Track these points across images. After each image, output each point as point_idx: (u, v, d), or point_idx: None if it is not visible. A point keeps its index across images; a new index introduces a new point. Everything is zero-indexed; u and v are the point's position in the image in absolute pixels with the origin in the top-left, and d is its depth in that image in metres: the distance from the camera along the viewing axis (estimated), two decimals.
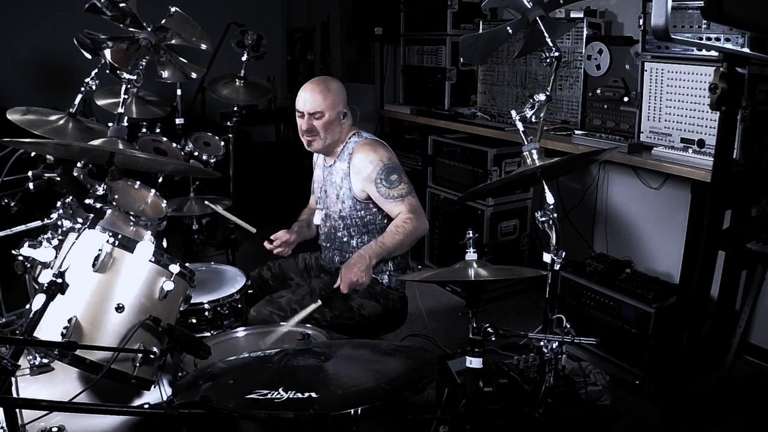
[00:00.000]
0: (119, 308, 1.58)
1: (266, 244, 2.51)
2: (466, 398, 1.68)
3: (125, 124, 2.03)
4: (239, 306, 2.40)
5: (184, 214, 3.08)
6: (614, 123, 3.08)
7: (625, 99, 2.96)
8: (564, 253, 1.74)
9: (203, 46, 2.44)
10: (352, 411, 1.37)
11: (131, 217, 2.04)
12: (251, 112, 5.21)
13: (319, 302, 2.18)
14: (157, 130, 2.89)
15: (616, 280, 2.93)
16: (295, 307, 2.29)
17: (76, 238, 1.61)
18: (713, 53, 2.53)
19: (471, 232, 1.75)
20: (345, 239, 2.46)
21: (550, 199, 1.73)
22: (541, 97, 1.88)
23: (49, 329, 1.51)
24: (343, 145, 2.43)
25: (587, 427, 1.93)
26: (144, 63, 2.17)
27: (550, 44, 1.92)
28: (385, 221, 2.41)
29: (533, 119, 1.90)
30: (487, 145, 3.67)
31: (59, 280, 1.52)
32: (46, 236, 1.90)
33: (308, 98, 2.35)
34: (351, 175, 2.38)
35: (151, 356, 1.60)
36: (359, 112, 5.40)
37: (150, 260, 1.65)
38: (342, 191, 2.42)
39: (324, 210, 2.53)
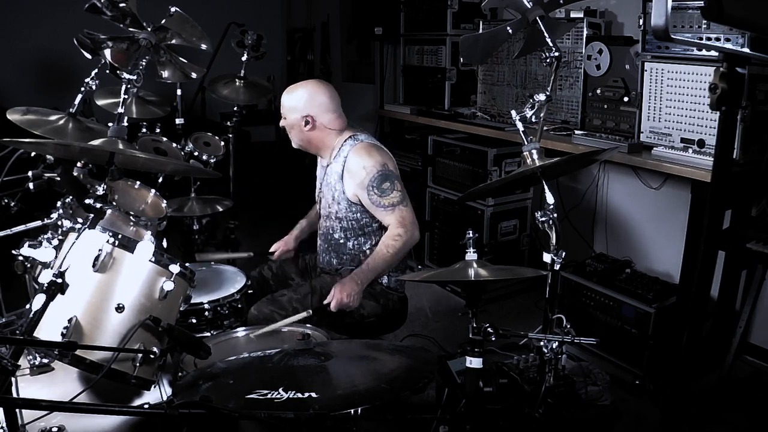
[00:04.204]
0: (119, 308, 1.58)
1: (271, 256, 2.68)
2: (466, 398, 1.68)
3: (125, 124, 2.03)
4: (239, 306, 2.41)
5: (184, 214, 3.09)
6: (614, 123, 3.08)
7: (625, 99, 2.96)
8: (564, 253, 1.74)
9: (203, 46, 2.44)
10: (352, 411, 1.37)
11: (131, 217, 2.04)
12: (251, 112, 5.22)
13: (309, 312, 2.18)
14: (157, 130, 2.89)
15: (616, 280, 2.93)
16: (297, 306, 2.30)
17: (76, 238, 1.61)
18: (713, 53, 2.53)
19: (471, 232, 1.75)
20: (341, 241, 2.46)
21: (550, 199, 1.73)
22: (541, 97, 1.88)
23: (49, 329, 1.51)
24: (338, 148, 2.42)
25: (587, 427, 1.93)
26: (144, 63, 2.16)
27: (550, 44, 1.92)
28: (380, 224, 2.40)
29: (533, 119, 1.90)
30: (487, 145, 3.67)
31: (59, 280, 1.52)
32: (46, 236, 1.89)
33: (281, 100, 2.48)
34: (344, 179, 2.37)
35: (151, 356, 1.60)
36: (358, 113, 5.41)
37: (150, 260, 1.65)
38: (337, 193, 2.41)
39: (321, 210, 2.53)
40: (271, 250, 2.66)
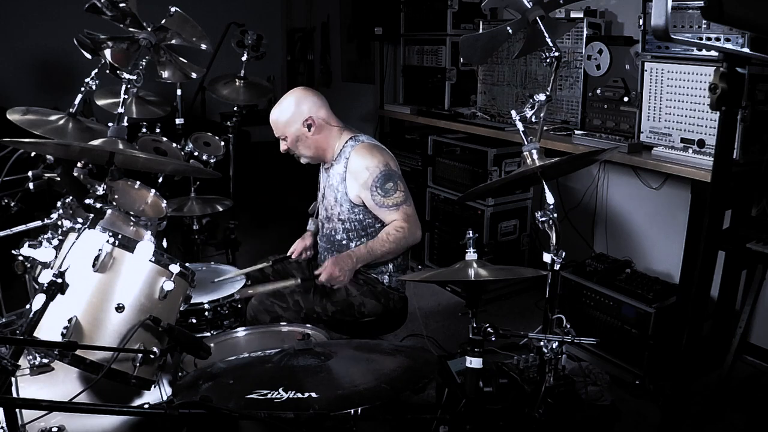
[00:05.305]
0: (119, 308, 1.58)
1: (291, 259, 2.62)
2: (466, 398, 1.68)
3: (125, 124, 2.03)
4: (239, 306, 2.41)
5: (184, 214, 3.09)
6: (614, 123, 3.08)
7: (625, 99, 2.96)
8: (564, 253, 1.74)
9: (203, 46, 2.43)
10: (352, 411, 1.37)
11: (131, 217, 2.04)
12: (251, 112, 5.21)
13: (298, 280, 2.21)
14: (157, 130, 2.89)
15: (616, 280, 2.93)
16: (298, 299, 2.31)
17: (76, 238, 1.60)
18: (713, 53, 2.53)
19: (471, 232, 1.75)
20: (344, 242, 2.46)
21: (550, 199, 1.73)
22: (541, 97, 1.88)
23: (49, 329, 1.51)
24: (340, 150, 2.42)
25: (587, 427, 1.93)
26: (144, 63, 2.17)
27: (550, 44, 1.92)
28: (383, 225, 2.40)
29: (533, 119, 1.90)
30: (487, 145, 3.67)
31: (59, 280, 1.52)
32: (46, 236, 1.89)
33: (272, 125, 2.43)
34: (347, 180, 2.37)
35: (151, 356, 1.59)
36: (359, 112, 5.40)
37: (150, 260, 1.65)
38: (339, 195, 2.42)
39: (324, 212, 2.53)
40: (289, 252, 2.62)
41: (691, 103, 2.65)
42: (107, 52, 2.31)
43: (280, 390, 1.41)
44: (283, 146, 2.44)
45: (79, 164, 2.18)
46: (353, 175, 2.35)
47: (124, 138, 1.94)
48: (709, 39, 2.47)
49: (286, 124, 2.39)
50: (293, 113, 2.38)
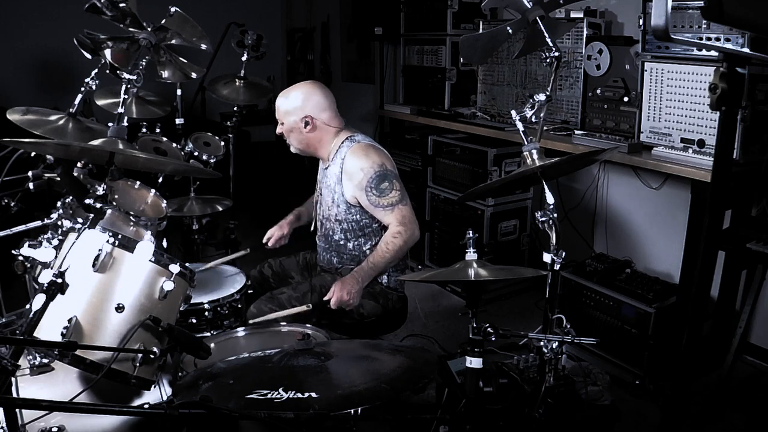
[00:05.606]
0: (119, 308, 1.58)
1: (266, 246, 2.65)
2: (466, 398, 1.68)
3: (125, 124, 2.03)
4: (239, 306, 2.41)
5: (184, 214, 3.09)
6: (614, 123, 3.08)
7: (625, 99, 2.96)
8: (564, 253, 1.74)
9: (203, 46, 2.44)
10: (352, 411, 1.37)
11: (131, 217, 2.04)
12: (251, 112, 5.22)
13: (310, 306, 2.19)
14: (157, 130, 2.89)
15: (616, 280, 2.93)
16: (295, 304, 2.30)
17: (76, 238, 1.61)
18: (713, 53, 2.53)
19: (471, 232, 1.75)
20: (342, 242, 2.46)
21: (550, 199, 1.73)
22: (541, 97, 1.88)
23: (49, 329, 1.51)
24: (336, 150, 2.42)
25: (587, 427, 1.93)
26: (144, 63, 2.17)
27: (550, 44, 1.92)
28: (380, 224, 2.40)
29: (533, 119, 1.90)
30: (487, 145, 3.67)
31: (59, 280, 1.52)
32: (46, 236, 1.90)
33: (276, 106, 2.46)
34: (343, 181, 2.37)
35: (151, 356, 1.60)
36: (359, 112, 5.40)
37: (150, 260, 1.65)
38: (336, 195, 2.42)
39: (321, 212, 2.53)
40: (265, 239, 2.64)
41: (691, 103, 2.65)
42: (107, 52, 2.31)
43: (280, 390, 1.41)
44: (278, 129, 2.47)
45: (79, 164, 2.18)
46: (348, 176, 2.35)
47: (124, 138, 1.94)
48: (709, 39, 2.47)
49: (285, 113, 2.42)
50: (295, 107, 2.40)
